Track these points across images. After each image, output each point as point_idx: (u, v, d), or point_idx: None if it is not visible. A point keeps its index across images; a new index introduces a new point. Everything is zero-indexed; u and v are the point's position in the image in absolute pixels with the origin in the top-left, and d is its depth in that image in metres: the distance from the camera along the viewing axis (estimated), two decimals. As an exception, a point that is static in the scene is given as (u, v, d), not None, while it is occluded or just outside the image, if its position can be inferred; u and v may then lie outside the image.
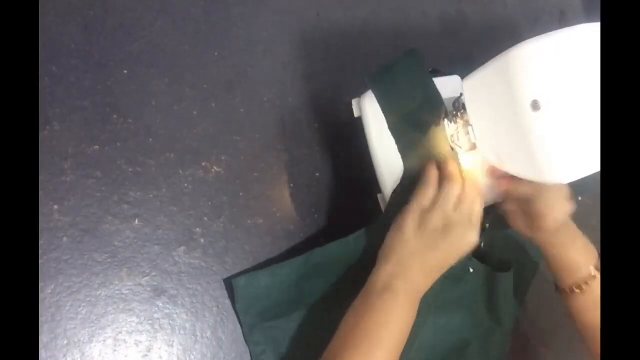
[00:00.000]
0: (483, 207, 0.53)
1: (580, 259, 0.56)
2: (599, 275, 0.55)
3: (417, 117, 0.57)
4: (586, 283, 0.55)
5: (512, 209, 0.56)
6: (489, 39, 0.76)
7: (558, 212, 0.54)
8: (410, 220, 0.52)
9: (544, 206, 0.53)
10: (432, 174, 0.54)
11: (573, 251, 0.56)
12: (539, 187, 0.54)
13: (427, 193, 0.53)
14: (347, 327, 0.49)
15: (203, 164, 0.56)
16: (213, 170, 0.57)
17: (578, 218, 0.75)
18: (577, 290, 0.56)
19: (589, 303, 0.56)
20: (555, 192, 0.54)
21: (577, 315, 0.58)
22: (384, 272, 0.51)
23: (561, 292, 0.58)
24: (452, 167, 0.54)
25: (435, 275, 0.52)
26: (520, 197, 0.55)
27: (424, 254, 0.51)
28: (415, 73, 0.56)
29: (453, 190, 0.52)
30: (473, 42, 0.77)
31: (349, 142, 0.61)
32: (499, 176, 0.55)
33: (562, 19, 0.84)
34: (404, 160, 0.56)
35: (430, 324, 0.60)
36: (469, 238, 0.51)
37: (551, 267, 0.59)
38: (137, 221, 0.52)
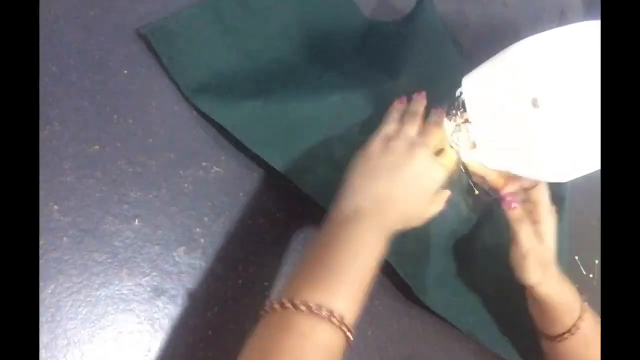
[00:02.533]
0: (440, 140, 0.54)
1: (571, 301, 0.55)
2: (586, 315, 0.55)
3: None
4: (576, 326, 0.55)
5: (516, 218, 0.55)
6: (489, 39, 0.76)
7: (551, 236, 0.54)
8: (374, 145, 0.51)
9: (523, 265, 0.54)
10: (395, 111, 0.55)
11: (565, 292, 0.55)
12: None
13: (390, 124, 0.53)
14: (310, 257, 0.46)
15: (203, 164, 0.56)
16: (213, 170, 0.57)
17: (578, 218, 0.75)
18: (570, 335, 0.55)
19: (580, 344, 0.56)
20: (540, 191, 0.54)
21: (567, 357, 0.57)
22: (348, 200, 0.48)
23: (550, 340, 0.57)
24: (414, 105, 0.55)
25: (403, 207, 0.49)
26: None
27: (391, 173, 0.48)
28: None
29: (414, 122, 0.53)
30: (473, 42, 0.77)
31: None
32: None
33: (562, 19, 0.84)
34: None
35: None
36: (436, 167, 0.50)
37: (540, 318, 0.58)
38: (137, 221, 0.52)
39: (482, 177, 0.55)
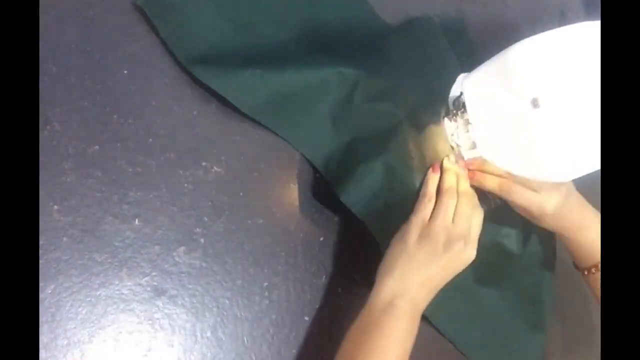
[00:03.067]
0: (482, 220, 0.54)
1: (594, 241, 0.56)
2: None
3: (418, 113, 0.58)
4: (598, 267, 0.57)
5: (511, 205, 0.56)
6: (489, 39, 0.76)
7: (546, 198, 0.54)
8: (412, 233, 0.53)
9: (529, 196, 0.55)
10: (431, 185, 0.56)
11: (586, 233, 0.57)
12: (513, 178, 0.55)
13: (427, 205, 0.54)
14: (351, 343, 0.49)
15: (203, 164, 0.56)
16: (213, 170, 0.57)
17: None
18: (595, 271, 0.57)
19: None
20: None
21: (598, 292, 0.58)
22: (386, 288, 0.51)
23: (581, 272, 0.59)
24: (450, 179, 0.55)
25: (435, 290, 0.53)
26: (493, 190, 0.56)
27: (426, 268, 0.51)
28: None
29: (451, 202, 0.54)
30: (473, 42, 0.77)
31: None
32: (471, 171, 0.56)
33: (562, 19, 0.84)
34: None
35: None
36: (468, 253, 0.52)
37: (567, 249, 0.60)
38: (137, 221, 0.52)
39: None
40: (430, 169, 0.57)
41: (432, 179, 0.56)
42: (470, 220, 0.53)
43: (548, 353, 0.69)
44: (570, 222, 0.57)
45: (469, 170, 0.57)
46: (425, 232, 0.53)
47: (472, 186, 0.57)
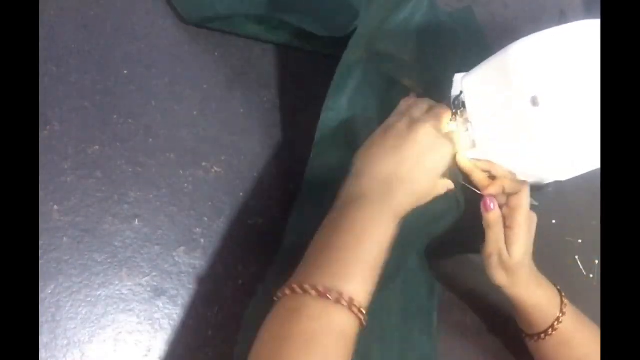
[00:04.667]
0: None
1: (547, 303, 0.56)
2: (563, 317, 0.56)
3: None
4: (553, 327, 0.56)
5: (491, 223, 0.54)
6: (489, 39, 0.76)
7: (519, 246, 0.53)
8: (378, 130, 0.51)
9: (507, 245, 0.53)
10: (406, 99, 0.54)
11: (539, 295, 0.56)
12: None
13: (396, 114, 0.52)
14: (318, 242, 0.46)
15: (203, 164, 0.56)
16: (213, 170, 0.57)
17: (577, 218, 0.75)
18: (546, 336, 0.56)
19: (555, 343, 0.57)
20: (521, 199, 0.52)
21: (543, 355, 0.58)
22: (355, 181, 0.48)
23: (529, 339, 0.59)
24: (426, 100, 0.53)
25: (411, 186, 0.48)
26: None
27: (394, 158, 0.48)
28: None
29: (420, 105, 0.52)
30: (488, 43, 0.77)
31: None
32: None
33: (562, 19, 0.84)
34: None
35: None
36: (440, 139, 0.49)
37: (519, 316, 0.59)
38: (137, 221, 0.52)
39: (468, 175, 0.54)
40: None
41: (407, 98, 0.55)
42: (439, 118, 0.50)
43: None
44: (528, 282, 0.55)
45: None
46: (389, 125, 0.50)
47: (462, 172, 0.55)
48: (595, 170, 0.43)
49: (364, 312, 0.42)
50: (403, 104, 0.54)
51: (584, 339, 0.57)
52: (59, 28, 0.53)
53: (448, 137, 0.50)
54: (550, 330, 0.56)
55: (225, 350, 0.53)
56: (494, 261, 0.54)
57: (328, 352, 0.40)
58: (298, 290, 0.41)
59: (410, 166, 0.48)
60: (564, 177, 0.45)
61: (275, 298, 0.43)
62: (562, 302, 0.56)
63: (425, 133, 0.48)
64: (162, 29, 0.58)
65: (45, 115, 0.51)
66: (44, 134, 0.50)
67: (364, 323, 0.42)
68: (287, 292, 0.42)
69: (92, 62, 0.54)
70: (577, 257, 0.73)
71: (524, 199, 0.52)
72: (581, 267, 0.74)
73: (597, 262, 0.75)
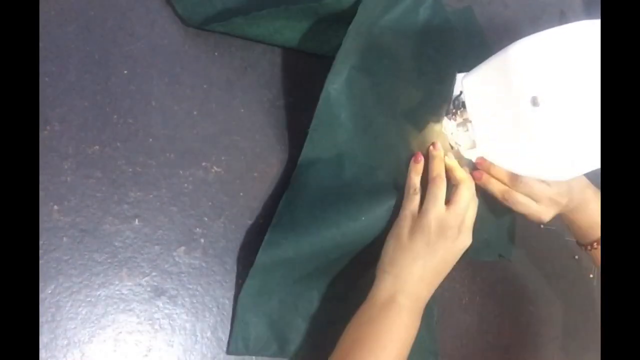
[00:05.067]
0: (477, 207, 0.53)
1: (594, 217, 0.58)
2: None
3: (418, 112, 0.57)
4: (599, 242, 0.58)
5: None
6: (489, 39, 0.76)
7: (544, 210, 0.55)
8: (404, 228, 0.52)
9: (528, 208, 0.55)
10: (414, 177, 0.55)
11: (587, 214, 0.58)
12: (515, 188, 0.55)
13: (412, 198, 0.53)
14: (349, 339, 0.49)
15: (203, 164, 0.56)
16: (213, 170, 0.57)
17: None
18: (597, 245, 0.58)
19: None
20: (537, 191, 0.54)
21: (599, 263, 0.60)
22: (385, 285, 0.51)
23: (583, 247, 0.61)
24: (437, 168, 0.54)
25: (435, 282, 0.52)
26: (495, 195, 0.56)
27: (422, 260, 0.51)
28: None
29: (440, 191, 0.52)
30: (488, 41, 0.77)
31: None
32: (478, 170, 0.56)
33: (562, 19, 0.84)
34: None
35: None
36: (463, 239, 0.52)
37: (570, 229, 0.61)
38: (137, 221, 0.52)
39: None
40: (412, 159, 0.56)
41: (415, 170, 0.55)
42: (465, 207, 0.52)
43: (552, 336, 0.69)
44: (571, 206, 0.57)
45: (477, 170, 0.56)
46: (417, 224, 0.52)
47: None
48: (595, 170, 0.43)
49: None
50: (414, 176, 0.55)
51: None
52: (59, 28, 0.53)
53: (468, 229, 0.53)
54: (596, 243, 0.58)
55: (225, 350, 0.53)
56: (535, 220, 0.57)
57: None
58: None
59: (438, 269, 0.52)
60: (564, 177, 0.45)
61: None
62: None
63: (453, 240, 0.51)
64: (162, 29, 0.58)
65: (45, 115, 0.51)
66: (44, 134, 0.50)
67: None
68: None
69: (92, 62, 0.54)
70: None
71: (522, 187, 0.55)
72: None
73: (597, 262, 0.75)
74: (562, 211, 0.58)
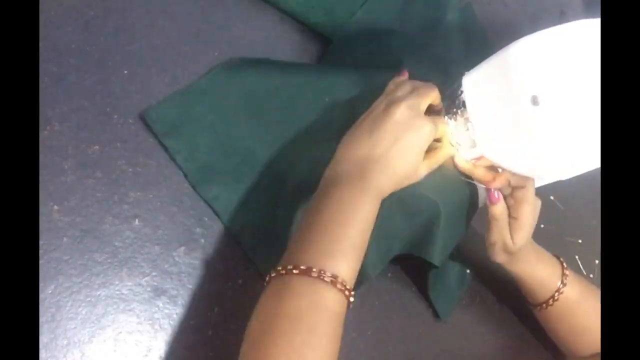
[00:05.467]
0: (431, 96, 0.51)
1: (547, 277, 0.59)
2: (564, 288, 0.59)
3: None
4: (554, 298, 0.59)
5: (496, 216, 0.55)
6: (489, 38, 0.76)
7: (522, 235, 0.55)
8: (362, 116, 0.51)
9: (512, 231, 0.55)
10: (395, 79, 0.54)
11: (539, 270, 0.58)
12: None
13: (382, 95, 0.52)
14: (301, 226, 0.46)
15: (203, 163, 0.56)
16: (213, 170, 0.57)
17: (577, 218, 0.75)
18: (548, 306, 0.59)
19: (559, 312, 0.60)
20: (526, 193, 0.54)
21: (550, 324, 0.62)
22: (333, 167, 0.48)
23: (533, 307, 0.62)
24: (415, 81, 0.53)
25: (388, 167, 0.47)
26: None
27: (369, 139, 0.47)
28: None
29: (405, 85, 0.51)
30: (489, 41, 0.77)
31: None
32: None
33: (562, 19, 0.84)
34: None
35: None
36: (418, 118, 0.47)
37: (521, 288, 0.61)
38: (137, 221, 0.52)
39: (469, 175, 0.55)
40: (397, 74, 0.54)
41: (396, 79, 0.53)
42: (416, 91, 0.49)
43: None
44: (526, 261, 0.58)
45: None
46: (371, 109, 0.50)
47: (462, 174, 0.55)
48: (595, 169, 0.43)
49: (350, 288, 0.42)
50: (391, 84, 0.53)
51: (590, 308, 0.59)
52: (59, 28, 0.53)
53: (428, 117, 0.49)
54: (551, 300, 0.59)
55: (225, 350, 0.53)
56: (497, 248, 0.56)
57: (315, 327, 0.40)
58: (283, 271, 0.43)
59: (386, 147, 0.47)
60: (564, 176, 0.45)
61: (264, 283, 0.44)
62: (563, 273, 0.59)
63: (401, 113, 0.47)
64: (162, 29, 0.58)
65: (45, 115, 0.51)
66: (44, 134, 0.50)
67: (350, 299, 0.43)
68: (273, 274, 0.43)
69: (92, 62, 0.54)
70: (577, 257, 0.73)
71: (530, 193, 0.54)
72: (581, 267, 0.74)
73: (597, 262, 0.75)
74: (520, 266, 0.58)
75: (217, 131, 0.56)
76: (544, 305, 0.59)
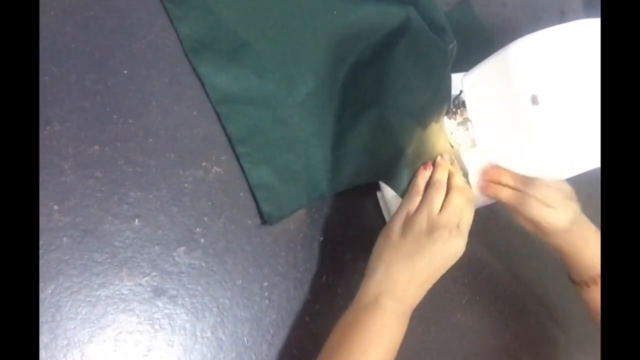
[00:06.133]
0: (473, 214, 0.53)
1: (593, 258, 0.56)
2: None
3: (423, 112, 0.57)
4: (596, 281, 0.56)
5: (519, 218, 0.55)
6: (489, 38, 0.76)
7: (562, 215, 0.53)
8: (395, 225, 0.52)
9: (545, 212, 0.53)
10: (420, 180, 0.54)
11: (586, 251, 0.56)
12: (530, 192, 0.53)
13: (413, 199, 0.53)
14: (334, 341, 0.49)
15: (203, 164, 0.56)
16: (213, 170, 0.57)
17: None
18: (590, 286, 0.56)
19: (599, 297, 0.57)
20: (554, 194, 0.53)
21: (591, 305, 0.58)
22: (371, 285, 0.50)
23: (575, 284, 0.59)
24: (438, 174, 0.54)
25: (424, 286, 0.51)
26: (508, 202, 0.54)
27: (411, 260, 0.50)
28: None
29: (437, 194, 0.52)
30: (489, 38, 0.77)
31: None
32: (486, 181, 0.55)
33: (562, 19, 0.84)
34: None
35: None
36: (456, 242, 0.50)
37: (564, 263, 0.59)
38: (137, 221, 0.52)
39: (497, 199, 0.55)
40: (422, 167, 0.56)
41: (422, 175, 0.55)
42: (459, 212, 0.52)
43: (553, 336, 0.68)
44: (574, 239, 0.56)
45: (485, 180, 0.56)
46: (409, 223, 0.51)
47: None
48: (595, 169, 0.43)
49: None
50: (420, 179, 0.55)
51: None
52: (59, 28, 0.53)
53: (463, 233, 0.51)
54: (597, 278, 0.56)
55: (224, 350, 0.53)
56: (532, 230, 0.56)
57: None
58: None
59: (428, 274, 0.50)
60: (563, 175, 0.45)
61: None
62: None
63: (442, 242, 0.50)
64: (162, 29, 0.58)
65: (45, 115, 0.51)
66: (44, 134, 0.50)
67: None
68: None
69: (92, 62, 0.54)
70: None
71: (543, 188, 0.53)
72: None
73: (597, 262, 0.75)
74: (564, 246, 0.56)
75: (218, 14, 0.58)
76: (589, 282, 0.57)
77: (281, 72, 0.60)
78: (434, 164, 0.56)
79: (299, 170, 0.58)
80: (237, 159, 0.57)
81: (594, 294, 0.57)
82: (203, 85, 0.57)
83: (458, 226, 0.51)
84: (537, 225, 0.55)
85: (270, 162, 0.57)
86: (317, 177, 0.58)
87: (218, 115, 0.57)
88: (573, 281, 0.60)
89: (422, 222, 0.51)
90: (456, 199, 0.52)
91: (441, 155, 0.56)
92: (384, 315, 0.48)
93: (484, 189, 0.55)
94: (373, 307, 0.49)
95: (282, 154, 0.58)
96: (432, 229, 0.50)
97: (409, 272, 0.49)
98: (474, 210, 0.53)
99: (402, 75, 0.59)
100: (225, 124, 0.57)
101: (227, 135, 0.57)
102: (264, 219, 0.56)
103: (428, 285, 0.51)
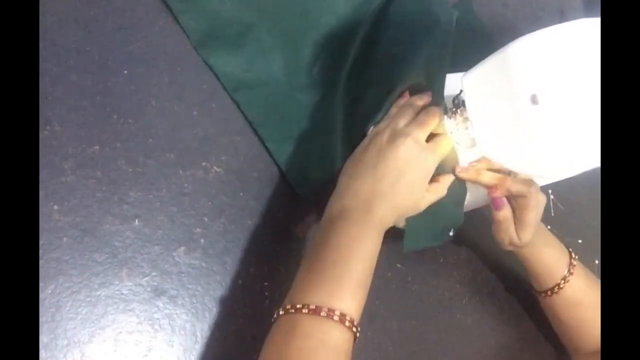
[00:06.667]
0: (451, 144, 0.52)
1: (554, 263, 0.58)
2: (570, 277, 0.57)
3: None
4: (559, 286, 0.58)
5: (501, 220, 0.55)
6: (488, 37, 0.76)
7: (527, 233, 0.54)
8: (363, 143, 0.51)
9: (523, 218, 0.54)
10: (398, 102, 0.54)
11: (547, 256, 0.58)
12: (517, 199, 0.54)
13: (384, 121, 0.52)
14: (306, 261, 0.47)
15: (203, 164, 0.56)
16: (213, 170, 0.57)
17: (577, 218, 0.75)
18: (553, 293, 0.58)
19: (565, 302, 0.58)
20: (529, 201, 0.53)
21: (554, 313, 0.61)
22: (335, 201, 0.49)
23: (538, 294, 0.61)
24: (410, 99, 0.53)
25: (392, 201, 0.48)
26: (488, 184, 0.54)
27: (373, 169, 0.48)
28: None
29: (403, 114, 0.51)
30: (492, 39, 0.77)
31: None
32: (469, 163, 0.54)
33: (562, 19, 0.84)
34: None
35: None
36: (423, 155, 0.48)
37: (527, 274, 0.60)
38: (137, 221, 0.52)
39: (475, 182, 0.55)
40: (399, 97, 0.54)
41: (396, 104, 0.54)
42: (427, 129, 0.49)
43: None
44: (535, 247, 0.57)
45: (468, 163, 0.55)
46: (372, 138, 0.50)
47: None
48: (595, 169, 0.43)
49: (357, 325, 0.43)
50: (393, 108, 0.54)
51: (595, 301, 0.58)
52: (59, 28, 0.53)
53: (430, 148, 0.49)
54: (557, 288, 0.57)
55: (225, 350, 0.53)
56: (504, 243, 0.56)
57: None
58: (291, 310, 0.43)
59: (390, 182, 0.48)
60: (563, 175, 0.45)
61: (272, 319, 0.45)
62: (571, 262, 0.58)
63: (405, 148, 0.48)
64: (162, 29, 0.58)
65: (45, 115, 0.51)
66: (44, 134, 0.50)
67: (358, 336, 0.43)
68: (282, 312, 0.44)
69: (92, 62, 0.54)
70: (577, 257, 0.73)
71: (533, 199, 0.53)
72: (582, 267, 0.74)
73: (597, 262, 0.75)
74: (527, 250, 0.57)
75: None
76: (549, 292, 0.58)
77: (289, 48, 0.61)
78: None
79: (320, 145, 0.59)
80: (262, 141, 0.58)
81: (555, 302, 0.59)
82: (216, 76, 0.58)
83: (421, 129, 0.49)
84: (512, 240, 0.55)
85: (292, 138, 0.59)
86: (333, 154, 0.58)
87: (236, 102, 0.58)
88: (535, 292, 0.61)
89: (384, 134, 0.49)
90: (424, 117, 0.50)
91: (426, 92, 0.54)
92: (355, 227, 0.46)
93: (464, 171, 0.54)
94: (338, 221, 0.47)
95: (301, 128, 0.60)
96: (393, 137, 0.48)
97: (369, 181, 0.47)
98: (452, 144, 0.51)
99: (411, 49, 0.59)
100: (244, 110, 0.58)
101: (247, 120, 0.58)
102: (297, 192, 0.58)
103: (394, 200, 0.47)
